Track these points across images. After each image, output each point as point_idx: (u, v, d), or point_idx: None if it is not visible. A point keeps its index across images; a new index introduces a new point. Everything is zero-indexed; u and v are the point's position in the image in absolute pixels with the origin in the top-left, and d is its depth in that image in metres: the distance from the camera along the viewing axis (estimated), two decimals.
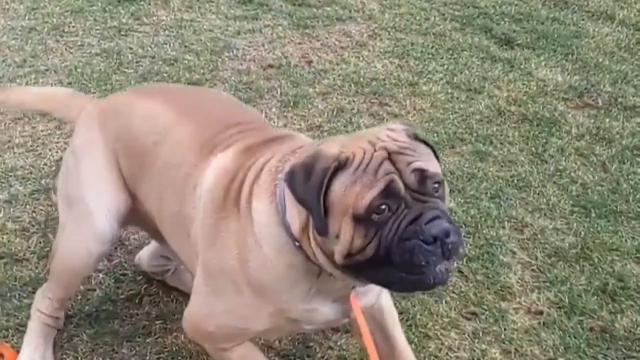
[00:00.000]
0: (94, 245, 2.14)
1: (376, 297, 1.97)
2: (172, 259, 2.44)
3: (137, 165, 2.07)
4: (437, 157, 1.71)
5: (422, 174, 1.60)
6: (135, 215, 2.17)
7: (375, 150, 1.61)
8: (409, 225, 1.56)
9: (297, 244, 1.71)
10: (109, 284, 2.55)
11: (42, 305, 2.29)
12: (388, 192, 1.57)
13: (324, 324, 1.93)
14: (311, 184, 1.59)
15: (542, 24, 4.06)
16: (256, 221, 1.75)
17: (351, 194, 1.57)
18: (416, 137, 1.69)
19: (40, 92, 2.61)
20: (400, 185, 1.58)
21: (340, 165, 1.60)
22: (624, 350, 2.36)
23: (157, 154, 2.01)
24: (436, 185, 1.62)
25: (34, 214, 2.83)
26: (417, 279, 1.61)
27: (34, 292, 2.49)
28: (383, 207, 1.57)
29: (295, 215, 1.69)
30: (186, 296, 2.47)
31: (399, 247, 1.57)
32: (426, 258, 1.57)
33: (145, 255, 2.55)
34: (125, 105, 2.17)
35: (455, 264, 1.69)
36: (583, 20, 4.13)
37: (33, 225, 2.78)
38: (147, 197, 2.08)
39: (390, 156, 1.60)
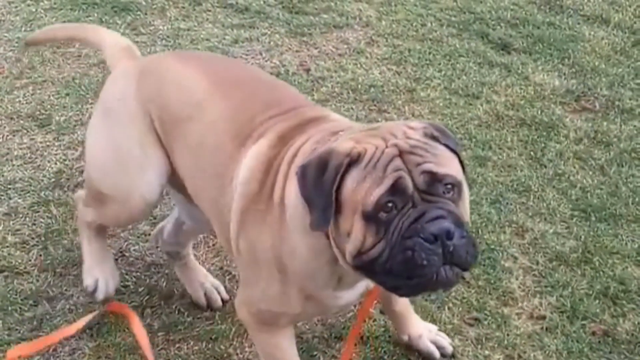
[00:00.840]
0: (153, 192, 2.17)
1: None
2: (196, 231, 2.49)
3: (171, 131, 2.08)
4: (460, 159, 1.69)
5: (431, 177, 1.59)
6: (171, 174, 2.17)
7: (386, 147, 1.61)
8: (412, 224, 1.56)
9: None
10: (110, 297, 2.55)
11: (87, 224, 2.41)
12: (395, 189, 1.57)
13: (349, 306, 2.01)
14: (324, 180, 1.61)
15: (538, 28, 4.08)
16: (287, 204, 1.78)
17: (361, 190, 1.58)
18: (434, 137, 1.66)
19: (111, 37, 2.57)
20: (409, 182, 1.58)
21: (353, 161, 1.60)
22: (626, 353, 2.36)
23: (191, 130, 2.01)
24: (449, 187, 1.60)
25: (34, 227, 2.82)
26: (420, 281, 1.60)
27: (35, 306, 2.50)
28: (390, 204, 1.57)
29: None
30: (187, 304, 2.50)
31: (401, 245, 1.57)
32: (427, 257, 1.55)
33: (165, 232, 2.52)
34: (164, 68, 2.15)
35: (462, 273, 1.64)
36: (578, 24, 4.14)
37: (33, 238, 2.77)
38: (180, 166, 2.10)
39: (401, 154, 1.60)
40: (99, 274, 2.44)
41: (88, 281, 2.44)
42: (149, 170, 2.14)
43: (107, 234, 2.52)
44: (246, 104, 1.99)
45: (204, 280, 2.51)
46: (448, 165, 1.63)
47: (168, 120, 2.08)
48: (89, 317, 2.39)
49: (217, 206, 2.00)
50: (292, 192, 1.75)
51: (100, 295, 2.44)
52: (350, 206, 1.60)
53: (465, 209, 1.66)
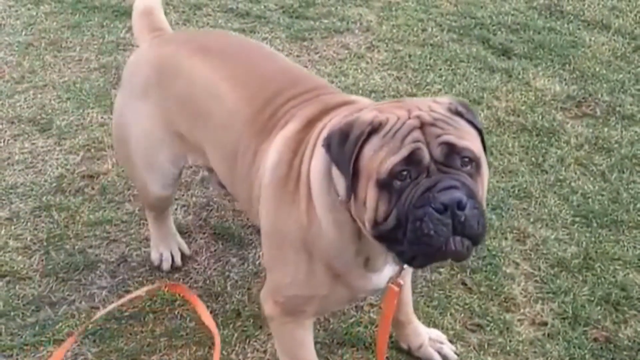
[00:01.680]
0: (159, 189, 2.37)
1: None
2: None
3: (207, 135, 2.14)
4: (482, 138, 1.68)
5: (450, 148, 1.58)
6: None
7: (409, 118, 1.62)
8: (423, 193, 1.56)
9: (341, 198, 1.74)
10: (112, 302, 2.54)
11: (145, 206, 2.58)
12: (411, 159, 1.57)
13: (375, 290, 1.97)
14: (345, 149, 1.62)
15: (539, 33, 4.09)
16: (312, 180, 1.80)
17: (377, 158, 1.59)
18: (458, 113, 1.66)
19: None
20: (425, 154, 1.57)
21: (374, 129, 1.62)
22: None
23: (224, 138, 2.07)
24: (466, 160, 1.60)
25: (36, 232, 2.82)
26: (429, 250, 1.58)
27: (37, 311, 2.50)
28: (404, 173, 1.57)
29: (338, 174, 1.72)
30: (190, 310, 2.49)
31: (412, 214, 1.56)
32: (435, 227, 1.54)
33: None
34: (188, 69, 2.14)
35: (472, 247, 1.62)
36: (579, 29, 4.15)
37: (35, 243, 2.77)
38: (211, 160, 2.19)
39: (422, 126, 1.60)
40: (163, 248, 2.66)
41: (154, 256, 2.67)
42: (165, 165, 2.29)
43: (169, 214, 2.69)
44: (268, 94, 2.01)
45: None
46: (468, 139, 1.62)
47: (190, 117, 2.15)
48: (152, 287, 2.52)
49: (248, 201, 2.03)
50: (317, 167, 1.78)
51: (165, 266, 2.65)
52: (366, 174, 1.61)
53: (482, 186, 1.64)
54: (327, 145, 1.69)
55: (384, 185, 1.58)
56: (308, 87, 2.02)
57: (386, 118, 1.63)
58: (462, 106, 1.68)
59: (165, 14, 4.26)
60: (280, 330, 2.05)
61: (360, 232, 1.77)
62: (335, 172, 1.74)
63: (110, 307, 2.44)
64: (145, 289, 2.51)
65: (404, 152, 1.57)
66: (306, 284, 1.89)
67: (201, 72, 2.12)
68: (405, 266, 1.86)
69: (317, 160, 1.79)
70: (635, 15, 4.27)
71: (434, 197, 1.54)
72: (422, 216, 1.55)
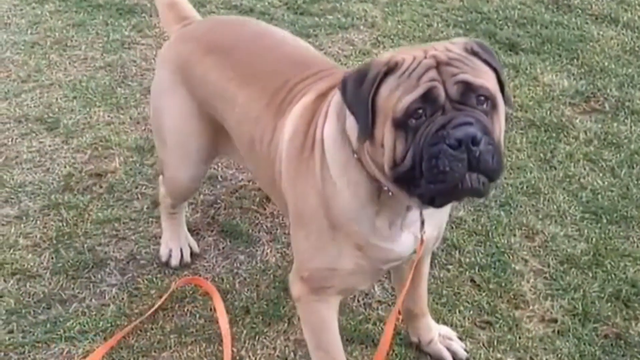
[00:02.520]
0: (191, 175, 2.44)
1: (438, 230, 2.01)
2: None
3: (228, 133, 2.24)
4: (500, 77, 1.68)
5: (466, 86, 1.59)
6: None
7: (425, 58, 1.62)
8: (437, 131, 1.56)
9: (356, 156, 1.76)
10: (122, 299, 2.55)
11: (163, 198, 2.64)
12: (426, 97, 1.58)
13: (397, 260, 1.96)
14: (362, 89, 1.63)
15: (546, 28, 4.06)
16: (325, 142, 1.82)
17: (393, 97, 1.60)
18: (474, 53, 1.67)
19: None
20: (441, 92, 1.58)
21: (390, 69, 1.63)
22: (639, 356, 2.36)
23: (242, 131, 2.14)
24: (482, 98, 1.60)
25: (45, 230, 2.83)
26: (446, 187, 1.58)
27: (48, 308, 2.52)
28: (420, 111, 1.58)
29: (353, 124, 1.72)
30: (200, 306, 2.49)
31: (427, 152, 1.57)
32: (450, 163, 1.54)
33: None
34: (202, 73, 2.22)
35: (488, 183, 1.61)
36: (587, 23, 4.12)
37: (44, 241, 2.78)
38: (241, 157, 2.29)
39: (438, 66, 1.61)
40: (173, 245, 2.68)
41: (162, 251, 2.69)
42: (196, 153, 2.37)
43: (183, 211, 2.73)
44: (279, 81, 2.05)
45: None
46: (484, 78, 1.63)
47: (224, 125, 2.24)
48: (172, 288, 2.54)
49: (272, 181, 2.07)
50: (330, 129, 1.81)
51: (173, 262, 2.66)
52: (383, 114, 1.62)
53: (499, 125, 1.65)
54: (343, 88, 1.70)
55: (400, 124, 1.59)
56: (319, 69, 2.06)
57: (402, 58, 1.64)
58: (478, 46, 1.69)
59: None
60: (307, 311, 2.06)
61: (379, 192, 1.77)
62: (349, 123, 1.75)
63: (155, 307, 2.47)
64: (175, 285, 2.54)
65: (420, 90, 1.58)
66: (328, 255, 1.89)
67: (212, 75, 2.19)
68: (423, 248, 1.90)
69: (330, 123, 1.82)
70: None
71: (448, 134, 1.54)
72: (437, 153, 1.55)
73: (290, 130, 1.94)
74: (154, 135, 2.57)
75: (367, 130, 1.64)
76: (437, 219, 1.95)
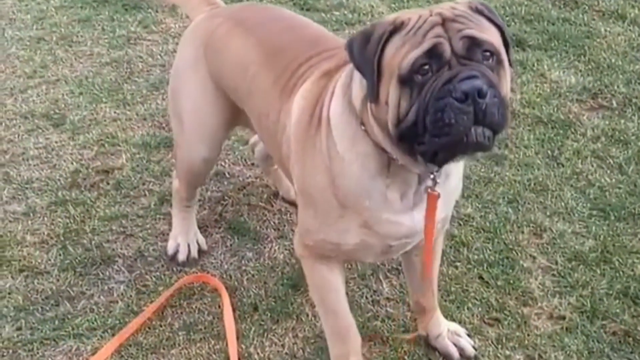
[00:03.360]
0: (206, 154, 2.46)
1: (445, 212, 2.00)
2: None
3: (243, 105, 2.28)
4: (505, 36, 1.69)
5: (471, 41, 1.60)
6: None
7: (430, 16, 1.64)
8: (444, 85, 1.57)
9: (363, 127, 1.77)
10: (130, 296, 2.56)
11: (175, 191, 2.68)
12: (432, 52, 1.59)
13: (408, 238, 1.95)
14: (368, 49, 1.65)
15: (553, 24, 4.05)
16: (331, 117, 1.84)
17: (399, 55, 1.61)
18: (479, 11, 1.68)
19: None
20: (447, 47, 1.59)
21: (396, 28, 1.64)
22: None
23: (252, 103, 2.20)
24: (487, 53, 1.61)
25: (52, 226, 2.83)
26: (450, 141, 1.58)
27: (57, 305, 2.52)
28: (426, 67, 1.59)
29: (357, 90, 1.76)
30: (208, 303, 2.49)
31: (433, 106, 1.57)
32: (455, 116, 1.55)
33: (258, 144, 2.85)
34: (224, 43, 2.27)
35: (495, 137, 1.62)
36: (594, 20, 4.11)
37: (52, 238, 2.78)
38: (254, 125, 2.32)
39: (443, 22, 1.62)
40: (181, 240, 2.68)
41: (170, 245, 2.70)
42: (211, 130, 2.41)
43: (194, 206, 2.75)
44: (286, 60, 2.09)
45: (291, 185, 2.76)
46: (489, 34, 1.64)
47: (236, 97, 2.29)
48: (183, 280, 2.56)
49: (282, 161, 2.10)
50: (335, 104, 1.84)
51: (180, 257, 2.67)
52: (389, 72, 1.63)
53: (504, 81, 1.66)
54: (350, 49, 1.71)
55: (406, 80, 1.60)
56: (327, 47, 2.07)
57: (408, 18, 1.66)
58: (482, 5, 1.71)
59: (175, 7, 4.29)
60: (310, 270, 2.08)
61: (388, 164, 1.78)
62: (354, 92, 1.77)
63: (159, 302, 2.48)
64: (183, 280, 2.56)
65: (425, 45, 1.59)
66: (335, 232, 1.90)
67: (234, 44, 2.24)
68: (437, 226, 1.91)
69: (336, 99, 1.84)
70: None
71: (454, 87, 1.55)
72: (443, 107, 1.56)
73: (296, 113, 1.96)
74: (170, 115, 2.58)
75: (374, 90, 1.65)
76: (445, 197, 1.93)
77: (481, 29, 1.63)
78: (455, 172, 1.94)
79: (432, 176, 1.81)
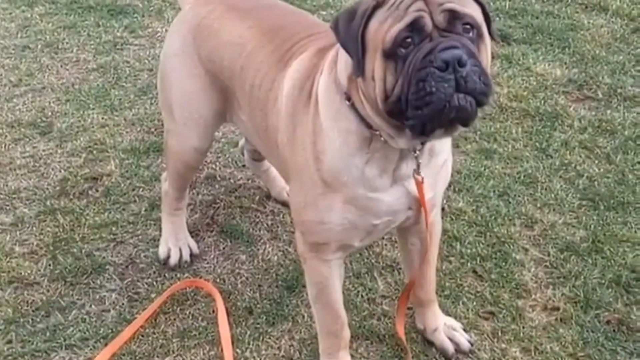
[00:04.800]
0: (197, 143, 2.44)
1: (433, 193, 2.00)
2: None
3: (230, 86, 2.28)
4: (484, 10, 1.73)
5: (452, 14, 1.64)
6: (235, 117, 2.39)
7: None
8: (425, 56, 1.61)
9: (348, 103, 1.80)
10: (122, 304, 2.53)
11: (165, 194, 2.68)
12: (414, 26, 1.63)
13: (389, 215, 1.96)
14: (353, 25, 1.68)
15: (537, 18, 4.07)
16: (319, 92, 1.87)
17: (382, 29, 1.65)
18: None
19: None
20: (428, 20, 1.63)
21: (379, 4, 1.69)
22: None
23: (244, 77, 2.19)
24: (467, 26, 1.65)
25: (41, 236, 2.80)
26: (433, 110, 1.61)
27: (47, 316, 2.49)
28: (408, 40, 1.63)
29: (343, 66, 1.79)
30: (201, 309, 2.48)
31: (415, 77, 1.61)
32: (437, 84, 1.58)
33: (247, 145, 2.85)
34: (217, 26, 2.29)
35: (479, 107, 1.65)
36: (577, 12, 4.13)
37: (41, 248, 2.75)
38: (242, 114, 2.30)
39: None
40: (172, 244, 2.68)
41: (161, 250, 2.69)
42: (202, 118, 2.39)
43: (184, 209, 2.74)
44: (288, 39, 2.12)
45: (284, 185, 2.84)
46: (469, 7, 1.68)
47: (227, 77, 2.27)
48: (174, 287, 2.54)
49: (267, 133, 2.11)
50: (323, 80, 1.87)
51: (172, 261, 2.66)
52: (373, 47, 1.67)
53: (485, 54, 1.70)
54: (335, 26, 1.75)
55: (390, 54, 1.64)
56: (322, 30, 2.12)
57: None
58: None
59: (162, 11, 4.30)
60: (308, 267, 2.11)
61: (370, 140, 1.81)
62: (339, 66, 1.80)
63: (153, 309, 2.47)
64: (174, 287, 2.54)
65: (407, 19, 1.63)
66: (318, 209, 1.93)
67: (228, 26, 2.26)
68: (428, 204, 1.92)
69: (324, 75, 1.88)
70: None
71: (435, 57, 1.59)
72: (424, 77, 1.60)
73: (288, 85, 1.99)
74: (160, 105, 2.56)
75: (359, 65, 1.68)
76: (430, 177, 1.94)
77: (462, 3, 1.67)
78: (440, 150, 1.96)
79: (415, 154, 1.84)
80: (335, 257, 2.06)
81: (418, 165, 1.87)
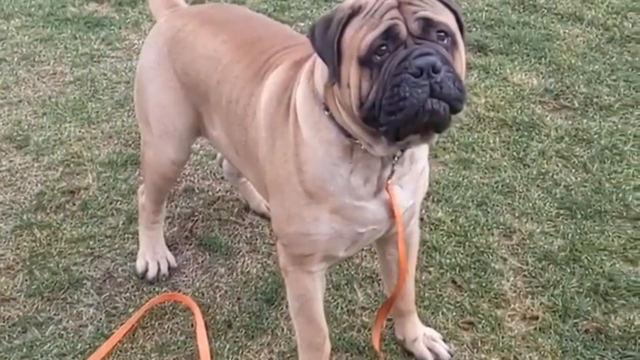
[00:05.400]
0: (173, 155, 2.44)
1: (413, 200, 2.01)
2: None
3: (206, 101, 2.26)
4: (458, 18, 1.75)
5: (426, 22, 1.66)
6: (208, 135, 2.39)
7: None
8: (400, 63, 1.63)
9: (327, 113, 1.81)
10: (100, 319, 2.51)
11: (142, 208, 2.66)
12: (388, 33, 1.65)
13: (374, 224, 1.96)
14: (329, 33, 1.71)
15: (513, 28, 4.11)
16: (297, 103, 1.88)
17: (357, 37, 1.68)
18: None
19: None
20: (402, 28, 1.65)
21: (354, 12, 1.71)
22: (620, 349, 2.38)
23: (220, 92, 2.18)
24: (442, 34, 1.67)
25: (18, 251, 2.77)
26: (408, 114, 1.62)
27: (24, 332, 2.46)
28: (383, 48, 1.65)
29: (320, 75, 1.81)
30: (180, 323, 2.46)
31: (390, 83, 1.63)
32: (410, 90, 1.61)
33: (224, 160, 2.86)
34: (192, 39, 2.29)
35: (453, 113, 1.67)
36: (553, 22, 4.19)
37: (18, 263, 2.72)
38: (213, 130, 2.30)
39: (399, 5, 1.69)
40: (149, 258, 2.67)
41: (139, 264, 2.68)
42: (177, 131, 2.39)
43: (161, 222, 2.73)
44: (264, 52, 2.13)
45: (262, 198, 2.82)
46: (443, 15, 1.70)
47: (203, 91, 2.26)
48: (152, 301, 2.51)
49: (246, 148, 2.11)
50: (301, 91, 1.88)
51: (150, 275, 2.64)
52: (349, 54, 1.69)
53: (460, 62, 1.72)
54: (312, 35, 1.76)
55: (365, 61, 1.66)
56: (298, 42, 2.14)
57: (365, 1, 1.71)
58: None
59: (139, 23, 4.28)
60: (290, 280, 2.09)
61: (352, 149, 1.82)
62: (317, 75, 1.82)
63: (130, 321, 2.44)
64: (152, 301, 2.51)
65: (382, 27, 1.65)
66: (303, 221, 1.92)
67: (203, 40, 2.26)
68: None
69: (301, 86, 1.89)
70: (607, 6, 4.32)
71: (409, 64, 1.62)
72: (399, 82, 1.62)
73: (266, 98, 1.99)
74: (137, 117, 2.55)
75: (335, 73, 1.70)
76: (411, 184, 1.96)
77: (436, 11, 1.69)
78: (420, 157, 1.97)
79: (393, 161, 1.85)
80: (319, 269, 2.06)
81: (392, 172, 1.88)
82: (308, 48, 2.01)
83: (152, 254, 2.66)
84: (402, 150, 1.86)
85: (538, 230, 2.84)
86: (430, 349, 2.35)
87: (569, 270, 2.66)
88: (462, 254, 2.73)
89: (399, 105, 1.62)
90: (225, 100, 2.17)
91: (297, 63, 1.99)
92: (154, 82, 2.36)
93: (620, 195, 2.97)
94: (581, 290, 2.58)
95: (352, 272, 2.66)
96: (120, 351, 2.38)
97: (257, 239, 2.82)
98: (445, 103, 1.64)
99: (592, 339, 2.41)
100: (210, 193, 3.06)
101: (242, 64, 2.14)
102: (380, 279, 2.59)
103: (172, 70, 2.32)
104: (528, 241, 2.79)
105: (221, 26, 2.29)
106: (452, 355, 2.36)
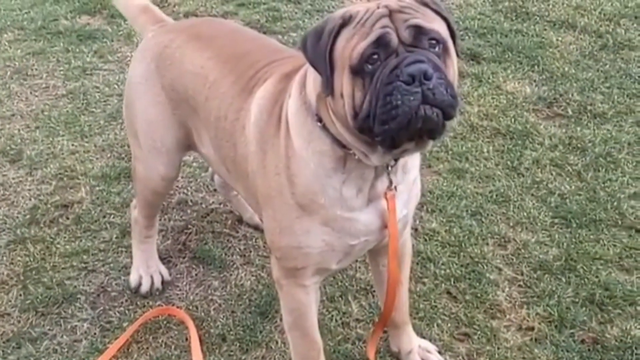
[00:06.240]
0: (163, 171, 2.43)
1: (406, 210, 2.01)
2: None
3: (195, 117, 2.26)
4: (450, 25, 1.75)
5: (417, 30, 1.67)
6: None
7: (377, 8, 1.70)
8: (392, 71, 1.63)
9: (320, 124, 1.81)
10: (94, 334, 2.49)
11: (134, 222, 2.65)
12: (380, 42, 1.65)
13: (366, 235, 1.95)
14: (320, 44, 1.71)
15: (506, 36, 4.12)
16: (289, 115, 1.87)
17: (349, 46, 1.68)
18: (424, 4, 1.75)
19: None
20: (393, 37, 1.66)
21: (345, 22, 1.71)
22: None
23: (209, 109, 2.18)
24: (433, 41, 1.67)
25: (12, 266, 2.75)
26: (401, 121, 1.62)
27: (18, 348, 2.45)
28: (375, 56, 1.65)
29: (311, 87, 1.81)
30: (174, 337, 2.44)
31: (382, 92, 1.63)
32: (402, 97, 1.61)
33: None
34: (179, 55, 2.28)
35: (442, 119, 1.66)
36: (545, 30, 4.20)
37: (12, 278, 2.71)
38: (202, 146, 2.31)
39: (390, 14, 1.69)
40: (143, 272, 2.66)
41: (132, 277, 2.67)
42: (166, 147, 2.38)
43: (154, 236, 2.71)
44: (251, 67, 2.13)
45: (253, 211, 2.83)
46: (435, 23, 1.71)
47: (192, 107, 2.25)
48: (146, 315, 2.50)
49: (236, 163, 2.10)
50: (292, 103, 1.88)
51: (143, 289, 2.64)
52: (340, 64, 1.69)
53: (451, 69, 1.72)
54: (304, 45, 1.77)
55: (357, 71, 1.66)
56: (286, 55, 2.15)
57: (356, 11, 1.72)
58: None
59: (131, 35, 4.27)
60: (284, 294, 2.08)
61: (344, 160, 1.82)
62: (308, 87, 1.82)
63: (125, 335, 2.43)
64: (146, 315, 2.50)
65: (373, 36, 1.66)
66: (295, 234, 1.91)
67: (190, 56, 2.25)
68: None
69: (292, 98, 1.88)
70: (600, 13, 4.33)
71: (401, 72, 1.62)
72: (391, 91, 1.62)
73: (256, 112, 1.99)
74: (127, 132, 2.54)
75: (328, 83, 1.70)
76: (404, 195, 1.96)
77: (427, 19, 1.69)
78: (412, 166, 1.98)
79: (388, 170, 1.85)
80: (312, 282, 2.05)
81: (390, 182, 1.88)
82: (296, 60, 2.03)
83: (145, 267, 2.65)
84: (396, 160, 1.86)
85: (533, 239, 2.83)
86: None
87: (564, 279, 2.66)
88: (456, 264, 2.72)
89: (392, 114, 1.62)
90: (214, 117, 2.16)
91: (287, 75, 1.99)
92: (142, 98, 2.36)
93: (615, 203, 2.97)
94: (577, 300, 2.57)
95: (347, 284, 2.65)
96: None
97: (250, 252, 2.81)
98: (438, 109, 1.64)
99: (589, 350, 2.40)
100: (203, 205, 3.05)
101: (229, 79, 2.13)
102: (374, 291, 2.58)
103: (160, 86, 2.31)
104: (523, 251, 2.78)
105: (207, 42, 2.28)
106: None
